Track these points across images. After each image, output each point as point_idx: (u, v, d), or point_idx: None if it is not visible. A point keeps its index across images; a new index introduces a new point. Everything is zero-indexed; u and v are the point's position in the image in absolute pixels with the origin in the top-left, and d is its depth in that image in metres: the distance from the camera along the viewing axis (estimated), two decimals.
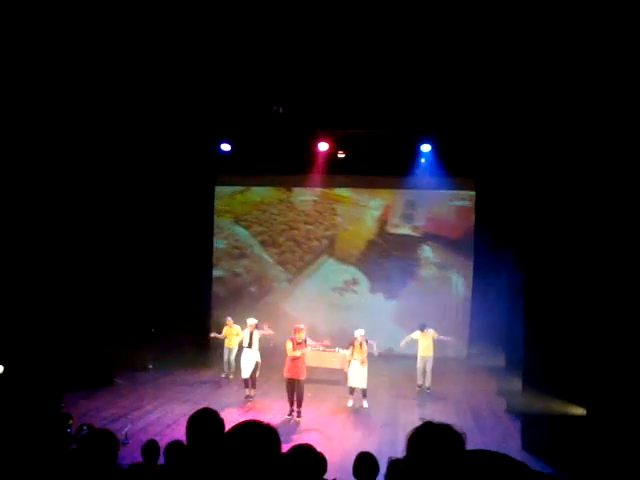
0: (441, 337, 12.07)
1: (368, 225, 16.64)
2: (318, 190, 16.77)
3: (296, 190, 16.97)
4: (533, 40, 7.45)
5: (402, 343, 12.05)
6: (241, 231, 17.31)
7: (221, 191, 17.17)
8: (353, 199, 16.76)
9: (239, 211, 17.36)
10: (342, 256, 16.77)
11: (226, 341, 12.69)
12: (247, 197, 17.32)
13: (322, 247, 17.02)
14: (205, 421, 2.76)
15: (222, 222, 17.26)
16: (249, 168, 15.07)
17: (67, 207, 10.91)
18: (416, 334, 12.01)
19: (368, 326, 11.68)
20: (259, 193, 17.24)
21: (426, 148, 13.31)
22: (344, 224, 16.83)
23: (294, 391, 10.02)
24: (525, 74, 8.31)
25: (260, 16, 7.49)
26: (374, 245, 16.54)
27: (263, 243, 17.25)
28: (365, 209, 16.71)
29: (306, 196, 17.03)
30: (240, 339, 11.64)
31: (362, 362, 10.76)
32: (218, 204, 17.20)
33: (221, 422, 2.76)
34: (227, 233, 17.28)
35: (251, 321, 11.25)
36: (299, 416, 9.99)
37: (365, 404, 10.82)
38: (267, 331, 11.40)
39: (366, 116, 10.96)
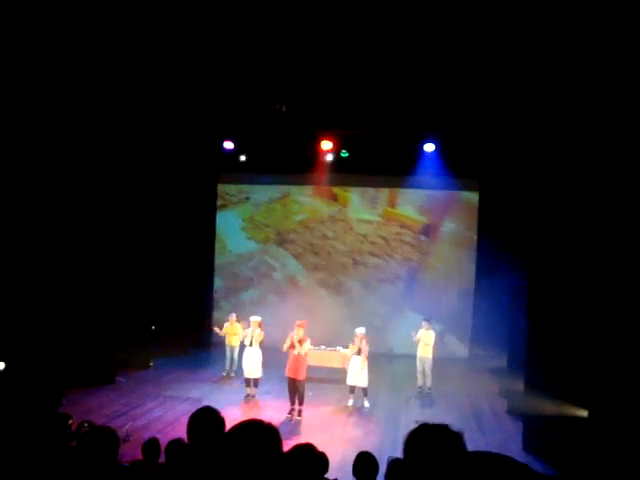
0: (433, 341, 11.89)
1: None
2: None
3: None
4: (537, 41, 7.42)
5: (413, 335, 11.91)
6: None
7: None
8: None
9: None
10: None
11: (227, 339, 12.67)
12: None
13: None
14: (206, 420, 2.75)
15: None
16: (252, 166, 15.03)
17: (70, 206, 10.91)
18: (419, 332, 11.93)
19: None
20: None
21: (430, 148, 13.28)
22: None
23: (295, 390, 10.03)
24: (530, 75, 8.28)
25: (264, 15, 7.48)
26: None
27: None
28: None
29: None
30: (242, 337, 11.62)
31: (363, 357, 10.75)
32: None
33: (222, 421, 2.76)
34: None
35: (254, 319, 11.23)
36: (300, 415, 9.99)
37: (366, 404, 10.80)
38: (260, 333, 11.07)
39: (370, 115, 10.94)
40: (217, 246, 16.60)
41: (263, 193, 16.28)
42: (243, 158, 14.56)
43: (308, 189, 15.99)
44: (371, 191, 15.68)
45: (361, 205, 15.58)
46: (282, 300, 15.49)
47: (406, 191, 15.62)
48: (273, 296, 15.65)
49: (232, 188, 16.54)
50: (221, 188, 16.62)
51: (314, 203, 15.90)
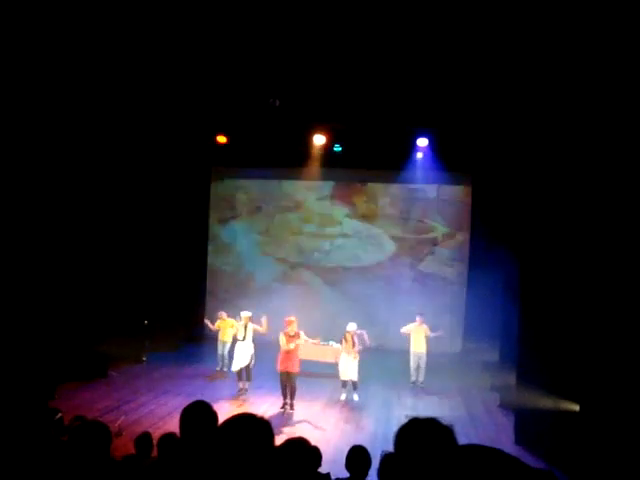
0: (433, 334, 12.09)
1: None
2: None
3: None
4: (529, 35, 7.42)
5: (403, 329, 12.09)
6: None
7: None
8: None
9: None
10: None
11: (220, 334, 12.67)
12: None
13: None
14: (198, 414, 2.75)
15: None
16: (245, 161, 15.01)
17: (62, 201, 10.83)
18: (412, 327, 12.06)
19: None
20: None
21: (423, 142, 13.28)
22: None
23: (287, 384, 10.06)
24: (522, 69, 8.28)
25: (256, 9, 7.44)
26: None
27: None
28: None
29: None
30: (234, 332, 11.64)
31: (354, 357, 10.79)
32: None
33: (214, 415, 2.75)
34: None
35: (245, 314, 11.24)
36: (292, 409, 10.01)
37: (356, 397, 10.84)
38: (260, 327, 11.06)
39: (363, 109, 10.92)
40: (231, 261, 16.64)
41: (274, 202, 16.22)
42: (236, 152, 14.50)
43: (325, 197, 16.09)
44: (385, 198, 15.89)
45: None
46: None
47: (406, 190, 15.74)
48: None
49: (243, 197, 16.49)
50: (232, 197, 16.60)
51: (331, 210, 16.09)
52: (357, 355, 10.86)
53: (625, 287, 6.92)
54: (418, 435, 1.90)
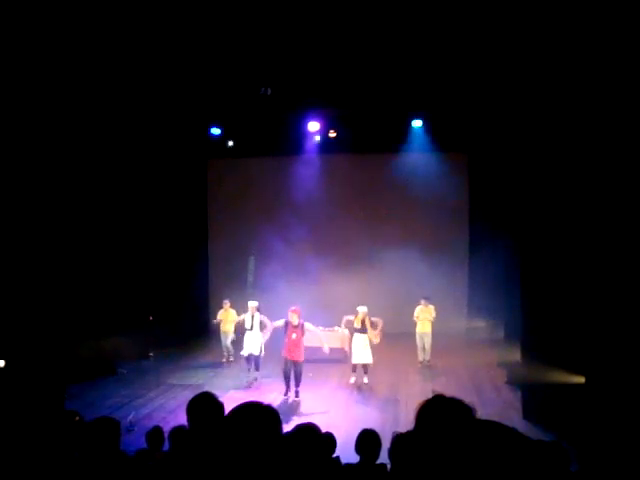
0: (434, 316, 12.20)
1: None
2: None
3: None
4: (524, 15, 7.36)
5: (415, 315, 12.25)
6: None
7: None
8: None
9: None
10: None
11: (221, 325, 12.81)
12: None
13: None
14: (204, 405, 2.77)
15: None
16: (240, 151, 14.96)
17: (65, 199, 10.81)
18: (418, 309, 12.14)
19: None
20: None
21: (417, 124, 13.24)
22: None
23: (291, 371, 10.11)
24: (517, 48, 8.22)
25: None
26: None
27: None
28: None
29: None
30: (240, 321, 11.73)
31: (375, 340, 10.87)
32: None
33: (220, 405, 2.78)
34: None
35: (252, 304, 11.32)
36: (297, 396, 10.07)
37: (366, 380, 10.89)
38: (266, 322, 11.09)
39: (356, 93, 10.85)
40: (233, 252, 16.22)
41: (270, 190, 15.91)
42: (231, 143, 14.49)
43: (322, 182, 15.47)
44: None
45: None
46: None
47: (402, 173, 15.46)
48: None
49: (240, 187, 16.16)
50: (228, 188, 16.34)
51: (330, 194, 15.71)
52: (378, 339, 10.91)
53: (627, 260, 6.93)
54: (441, 412, 1.93)
